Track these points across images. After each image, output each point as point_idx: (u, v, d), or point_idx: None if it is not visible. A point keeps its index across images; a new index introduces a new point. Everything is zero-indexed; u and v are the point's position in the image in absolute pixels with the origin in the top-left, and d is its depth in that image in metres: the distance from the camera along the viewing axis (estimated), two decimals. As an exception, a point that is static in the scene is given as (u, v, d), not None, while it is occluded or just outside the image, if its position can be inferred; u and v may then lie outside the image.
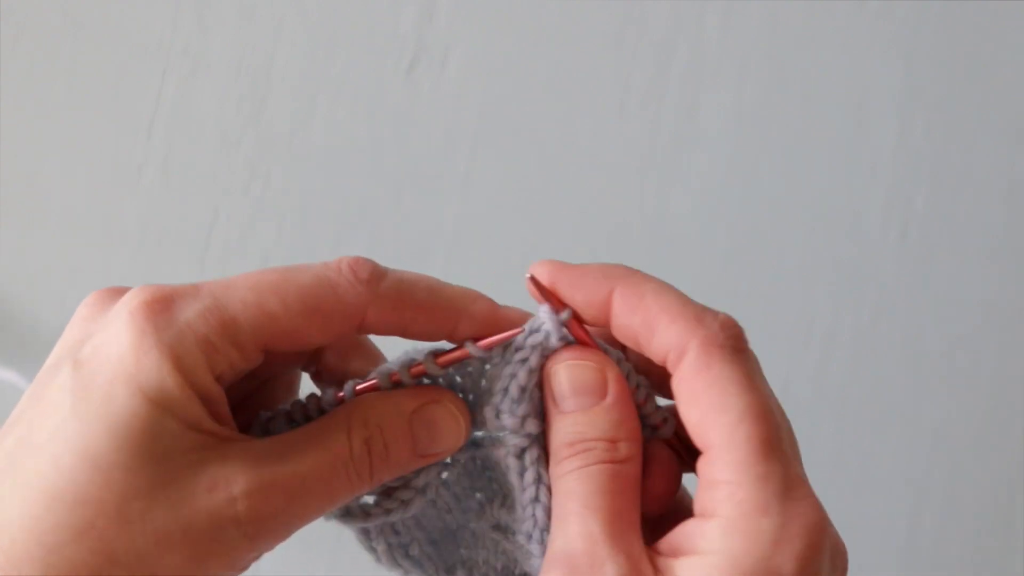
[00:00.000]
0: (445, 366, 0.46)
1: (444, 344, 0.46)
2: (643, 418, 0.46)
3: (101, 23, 0.88)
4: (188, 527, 0.40)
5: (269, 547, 0.42)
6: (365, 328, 0.45)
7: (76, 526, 0.39)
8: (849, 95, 0.88)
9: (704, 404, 0.42)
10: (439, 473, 0.48)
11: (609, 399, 0.44)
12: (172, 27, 0.88)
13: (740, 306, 0.90)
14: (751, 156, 0.88)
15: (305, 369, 0.49)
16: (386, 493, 0.47)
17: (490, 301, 0.46)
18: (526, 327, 0.45)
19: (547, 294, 0.45)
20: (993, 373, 0.87)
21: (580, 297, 0.45)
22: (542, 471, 0.45)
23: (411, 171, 0.88)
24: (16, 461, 0.41)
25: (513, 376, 0.45)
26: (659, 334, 0.43)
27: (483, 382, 0.46)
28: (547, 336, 0.45)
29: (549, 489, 0.45)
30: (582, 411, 0.44)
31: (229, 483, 0.41)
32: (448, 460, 0.48)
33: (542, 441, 0.46)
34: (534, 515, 0.46)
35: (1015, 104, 0.88)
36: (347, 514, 0.47)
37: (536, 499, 0.45)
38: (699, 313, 0.43)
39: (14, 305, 0.87)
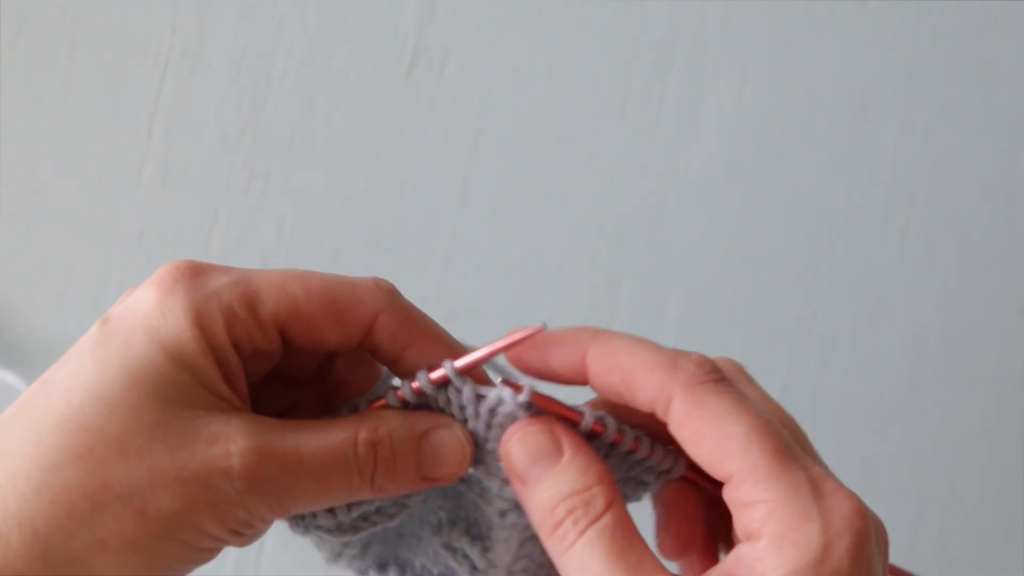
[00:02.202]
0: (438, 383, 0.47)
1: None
2: (652, 467, 0.47)
3: (101, 23, 0.88)
4: (182, 469, 0.41)
5: (256, 514, 0.43)
6: (372, 337, 0.46)
7: (75, 449, 0.41)
8: (849, 95, 0.88)
9: (709, 438, 0.43)
10: None
11: (567, 453, 0.45)
12: (172, 27, 0.88)
13: (740, 306, 0.90)
14: (751, 156, 0.88)
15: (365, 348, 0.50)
16: (378, 509, 0.48)
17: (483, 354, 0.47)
18: (490, 400, 0.46)
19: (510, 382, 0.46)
20: (993, 373, 0.87)
21: (555, 365, 0.46)
22: (512, 537, 0.47)
23: (411, 171, 0.88)
24: (31, 400, 0.43)
25: (495, 439, 0.46)
26: (640, 388, 0.45)
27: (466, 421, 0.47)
28: (510, 417, 0.46)
29: (519, 547, 0.47)
30: (549, 475, 0.45)
31: (229, 440, 0.42)
32: None
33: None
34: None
35: (1016, 104, 0.88)
36: (336, 530, 0.48)
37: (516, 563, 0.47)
38: (672, 359, 0.45)
39: (13, 305, 0.87)
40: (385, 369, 0.49)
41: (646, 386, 0.44)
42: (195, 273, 0.44)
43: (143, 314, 0.43)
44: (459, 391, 0.46)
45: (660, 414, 0.45)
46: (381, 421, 0.46)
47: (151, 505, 0.41)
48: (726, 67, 0.88)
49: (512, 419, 0.46)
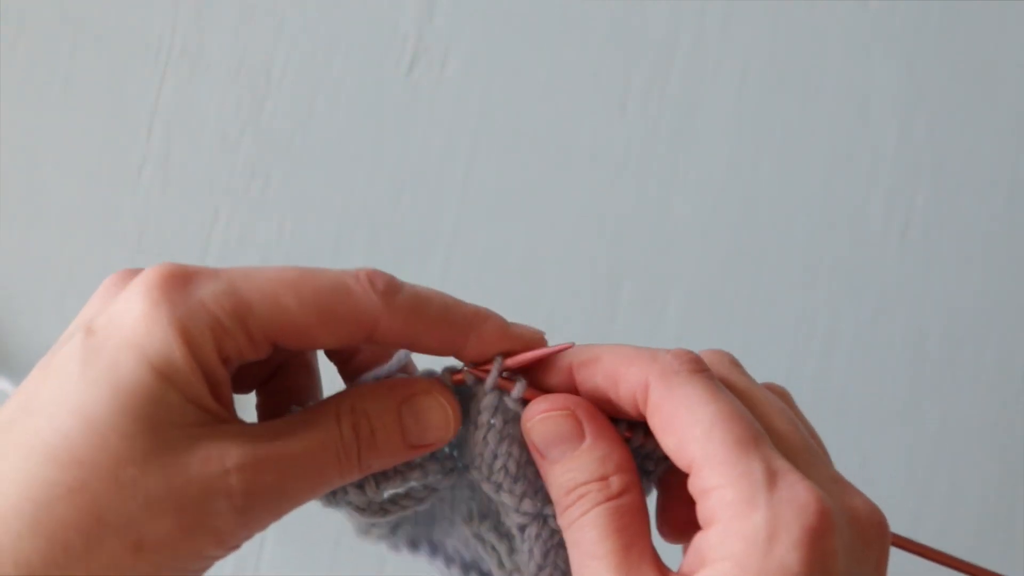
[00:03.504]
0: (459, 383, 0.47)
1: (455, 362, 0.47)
2: (648, 454, 0.47)
3: (100, 23, 0.88)
4: (179, 495, 0.41)
5: (256, 526, 0.43)
6: (375, 339, 0.45)
7: (68, 484, 0.40)
8: (850, 95, 0.88)
9: (676, 425, 0.43)
10: (450, 471, 0.48)
11: (588, 439, 0.45)
12: (171, 27, 0.88)
13: (740, 306, 0.90)
14: (751, 156, 0.88)
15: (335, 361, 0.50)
16: (407, 493, 0.48)
17: (500, 320, 0.47)
18: (486, 404, 0.46)
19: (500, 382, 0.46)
20: (993, 373, 0.87)
21: (548, 382, 0.47)
22: (535, 547, 0.47)
23: (411, 171, 0.88)
24: (16, 420, 0.42)
25: (509, 455, 0.46)
26: (622, 383, 0.44)
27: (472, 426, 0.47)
28: (515, 414, 0.46)
29: (542, 559, 0.47)
30: (568, 458, 0.45)
31: (223, 457, 0.41)
32: (460, 465, 0.48)
33: (540, 516, 0.47)
34: None
35: (1016, 104, 0.88)
36: (367, 509, 0.48)
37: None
38: (652, 352, 0.44)
39: (13, 305, 0.87)
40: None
41: (626, 379, 0.44)
42: (182, 282, 0.43)
43: (129, 329, 0.42)
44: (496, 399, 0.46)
45: (640, 405, 0.44)
46: (359, 398, 0.45)
47: (148, 536, 0.40)
48: (726, 67, 0.88)
49: (513, 414, 0.46)
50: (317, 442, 0.44)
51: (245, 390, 0.50)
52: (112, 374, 0.41)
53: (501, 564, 0.49)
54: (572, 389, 0.46)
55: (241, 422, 0.43)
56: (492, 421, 0.46)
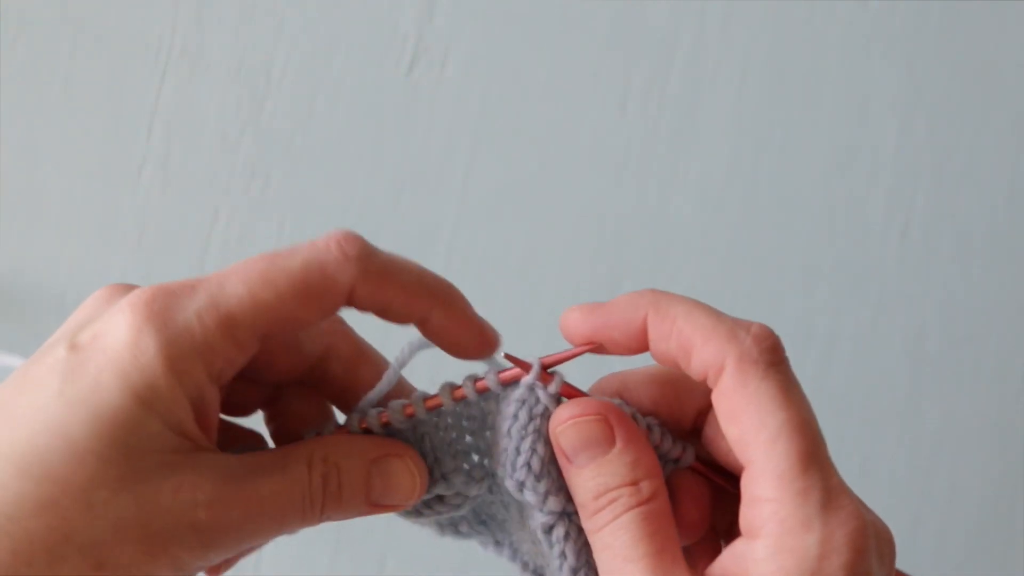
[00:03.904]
0: (459, 399, 0.47)
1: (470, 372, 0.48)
2: (662, 455, 0.47)
3: (100, 23, 0.88)
4: (147, 523, 0.41)
5: (215, 558, 0.43)
6: (352, 303, 0.45)
7: (40, 500, 0.40)
8: (850, 95, 0.88)
9: (743, 421, 0.43)
10: (480, 479, 0.49)
11: (619, 444, 0.45)
12: (171, 27, 0.88)
13: (740, 306, 0.90)
14: (751, 156, 0.88)
15: (311, 383, 0.50)
16: (439, 498, 0.48)
17: (465, 303, 0.48)
18: (516, 397, 0.46)
19: (528, 368, 0.46)
20: (993, 373, 0.87)
21: (616, 334, 0.46)
22: (567, 549, 0.47)
23: (411, 171, 0.88)
24: None
25: (533, 451, 0.46)
26: (695, 356, 0.44)
27: (487, 432, 0.47)
28: (544, 409, 0.46)
29: (576, 559, 0.47)
30: (597, 463, 0.45)
31: (195, 490, 0.42)
32: (490, 471, 0.49)
33: (565, 515, 0.47)
34: None
35: (1016, 104, 0.88)
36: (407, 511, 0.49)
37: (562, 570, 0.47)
38: (732, 329, 0.44)
39: (12, 305, 0.87)
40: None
41: (701, 354, 0.44)
42: (164, 304, 0.42)
43: (114, 352, 0.41)
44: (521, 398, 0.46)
45: (710, 382, 0.44)
46: (333, 448, 0.45)
47: (111, 558, 0.40)
48: (726, 67, 0.88)
49: (544, 410, 0.46)
50: (286, 487, 0.44)
51: (244, 412, 0.51)
52: (94, 396, 0.41)
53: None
54: (641, 342, 0.46)
55: (217, 452, 0.44)
56: (518, 414, 0.46)
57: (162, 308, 0.42)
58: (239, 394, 0.49)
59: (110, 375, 0.41)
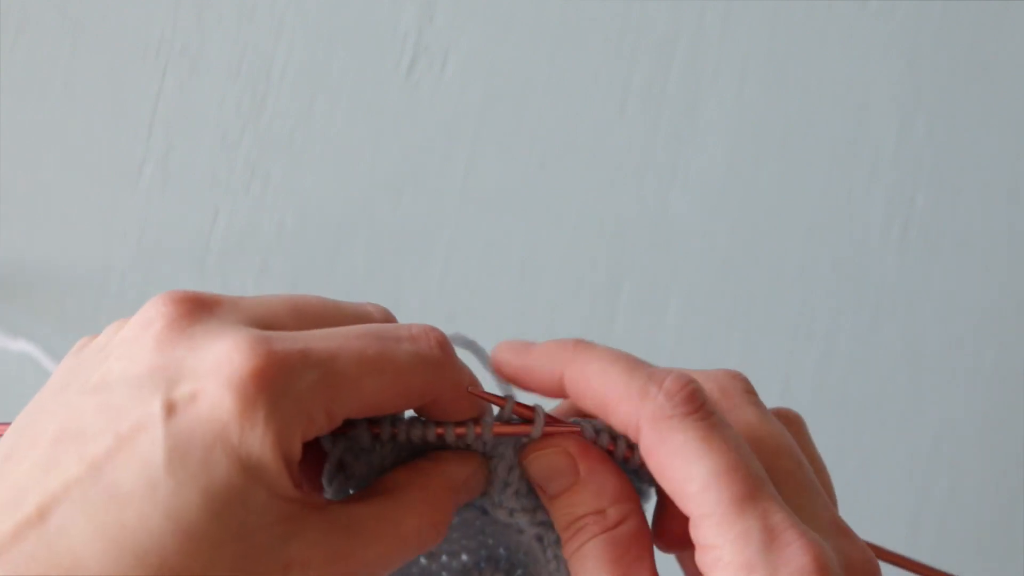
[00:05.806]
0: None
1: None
2: (638, 471, 0.47)
3: (100, 22, 0.88)
4: None
5: None
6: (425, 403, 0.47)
7: None
8: (849, 95, 0.88)
9: (670, 477, 0.43)
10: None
11: (582, 473, 0.46)
12: (171, 27, 0.88)
13: (740, 306, 0.90)
14: (751, 156, 0.88)
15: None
16: None
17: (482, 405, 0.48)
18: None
19: (494, 399, 0.47)
20: (993, 373, 0.87)
21: (535, 387, 0.47)
22: (559, 553, 0.48)
23: (411, 171, 0.88)
24: (92, 500, 0.40)
25: (521, 479, 0.47)
26: (612, 417, 0.45)
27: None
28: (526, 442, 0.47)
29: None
30: (567, 493, 0.46)
31: (306, 564, 0.41)
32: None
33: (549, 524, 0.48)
34: None
35: (1016, 104, 0.88)
36: None
37: None
38: (643, 387, 0.44)
39: (12, 305, 0.87)
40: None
41: (616, 416, 0.44)
42: (276, 376, 0.41)
43: (222, 425, 0.40)
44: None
45: (634, 440, 0.45)
46: (446, 504, 0.46)
47: None
48: (726, 67, 0.88)
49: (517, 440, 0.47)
50: (396, 544, 0.44)
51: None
52: (204, 476, 0.40)
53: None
54: (562, 392, 0.46)
55: (321, 506, 0.43)
56: (503, 451, 0.47)
57: (274, 378, 0.41)
58: None
59: (220, 452, 0.40)
